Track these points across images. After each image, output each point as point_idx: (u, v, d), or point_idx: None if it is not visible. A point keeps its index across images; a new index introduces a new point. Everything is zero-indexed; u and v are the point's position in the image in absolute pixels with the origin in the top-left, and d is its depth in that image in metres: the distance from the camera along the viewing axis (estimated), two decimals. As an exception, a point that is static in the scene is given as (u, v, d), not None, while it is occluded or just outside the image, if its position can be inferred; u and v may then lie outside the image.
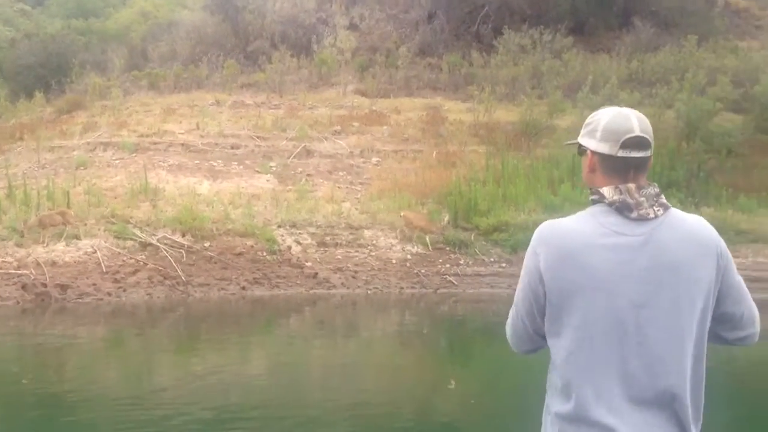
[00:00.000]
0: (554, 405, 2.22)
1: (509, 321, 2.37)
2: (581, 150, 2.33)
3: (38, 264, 14.13)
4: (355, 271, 15.36)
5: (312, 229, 16.44)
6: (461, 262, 15.93)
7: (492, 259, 15.96)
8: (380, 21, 27.47)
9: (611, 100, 20.31)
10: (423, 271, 15.51)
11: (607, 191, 2.20)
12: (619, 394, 2.11)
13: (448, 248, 16.19)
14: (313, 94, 24.07)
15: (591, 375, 2.13)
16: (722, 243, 2.20)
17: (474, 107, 22.10)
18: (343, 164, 19.98)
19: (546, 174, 17.81)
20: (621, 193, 2.18)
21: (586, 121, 2.32)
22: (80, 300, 13.51)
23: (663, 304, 2.11)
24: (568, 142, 2.50)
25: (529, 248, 2.26)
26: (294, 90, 24.30)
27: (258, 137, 20.90)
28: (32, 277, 13.77)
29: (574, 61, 23.39)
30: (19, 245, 14.70)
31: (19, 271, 13.95)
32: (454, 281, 15.28)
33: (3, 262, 14.19)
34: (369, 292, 14.85)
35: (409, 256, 15.98)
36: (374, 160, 20.17)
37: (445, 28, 26.71)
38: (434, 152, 20.22)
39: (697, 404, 2.16)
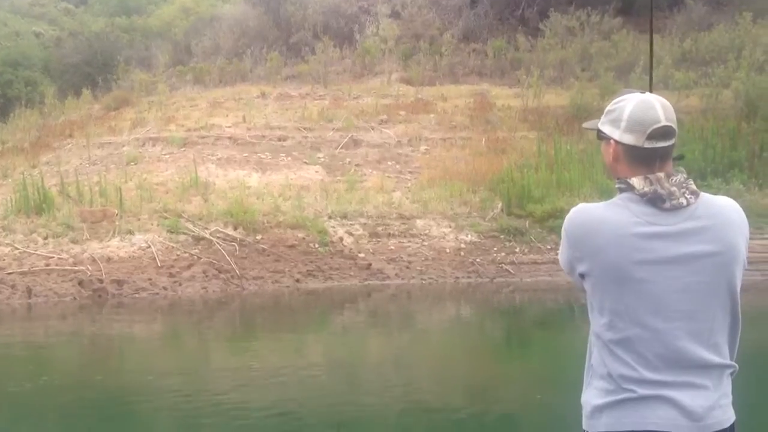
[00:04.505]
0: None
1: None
2: (601, 136, 2.29)
3: (94, 260, 14.16)
4: (409, 262, 15.13)
5: (363, 220, 16.24)
6: (517, 250, 15.59)
7: (549, 247, 15.55)
8: (422, 8, 27.12)
9: (665, 81, 19.79)
10: (478, 260, 15.22)
11: (636, 182, 2.15)
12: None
13: (502, 236, 15.86)
14: (358, 84, 23.88)
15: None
16: (746, 223, 2.21)
17: (522, 92, 21.68)
18: (391, 153, 19.74)
19: (601, 158, 17.24)
20: (652, 184, 2.13)
21: (608, 107, 2.27)
22: (136, 295, 13.51)
23: (701, 288, 2.11)
24: (587, 125, 2.41)
25: (562, 234, 2.26)
26: (338, 80, 24.14)
27: (304, 128, 20.76)
28: (88, 273, 13.80)
29: (624, 42, 22.80)
30: (74, 241, 14.74)
31: (75, 268, 13.99)
32: (510, 270, 14.96)
33: (59, 258, 14.24)
34: (424, 282, 14.61)
35: (462, 245, 15.69)
36: (422, 148, 19.90)
37: (488, 13, 26.27)
38: (483, 139, 19.86)
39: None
